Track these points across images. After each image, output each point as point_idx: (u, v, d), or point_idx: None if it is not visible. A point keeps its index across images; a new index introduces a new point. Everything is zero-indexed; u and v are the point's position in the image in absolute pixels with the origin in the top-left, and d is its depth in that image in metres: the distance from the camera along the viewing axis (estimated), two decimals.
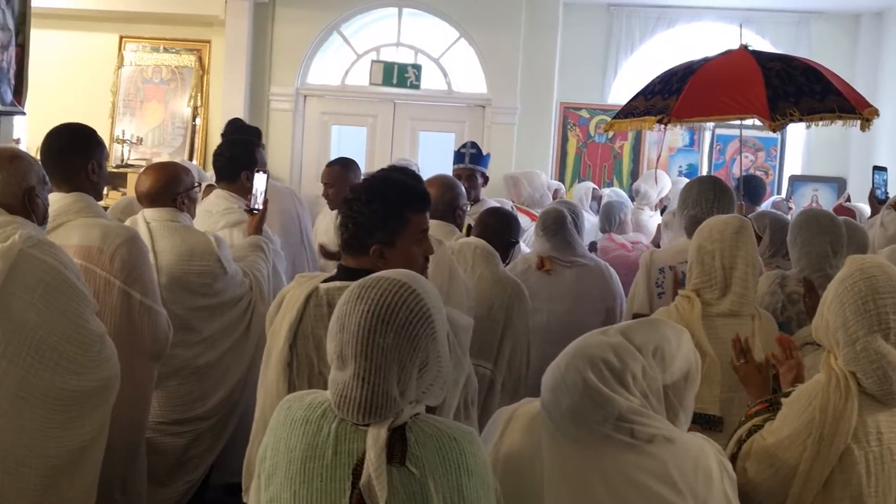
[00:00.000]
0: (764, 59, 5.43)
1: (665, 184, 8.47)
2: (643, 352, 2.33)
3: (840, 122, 5.43)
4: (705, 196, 4.61)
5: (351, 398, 2.12)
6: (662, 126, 5.23)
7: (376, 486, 2.05)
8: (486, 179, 6.86)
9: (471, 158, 6.91)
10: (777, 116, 4.91)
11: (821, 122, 5.34)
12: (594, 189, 9.08)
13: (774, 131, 4.99)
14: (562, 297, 5.13)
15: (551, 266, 5.12)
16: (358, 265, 2.95)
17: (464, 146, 7.07)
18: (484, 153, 7.23)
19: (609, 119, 10.19)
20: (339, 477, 2.11)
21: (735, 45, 5.72)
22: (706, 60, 5.53)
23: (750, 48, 5.65)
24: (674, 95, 5.19)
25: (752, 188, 7.48)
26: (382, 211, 2.94)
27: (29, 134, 9.02)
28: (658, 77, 5.54)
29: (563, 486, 2.31)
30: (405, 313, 2.14)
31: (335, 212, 5.67)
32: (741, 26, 6.26)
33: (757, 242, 3.86)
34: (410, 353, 2.13)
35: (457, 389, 2.97)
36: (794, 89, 5.06)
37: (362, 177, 7.45)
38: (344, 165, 6.19)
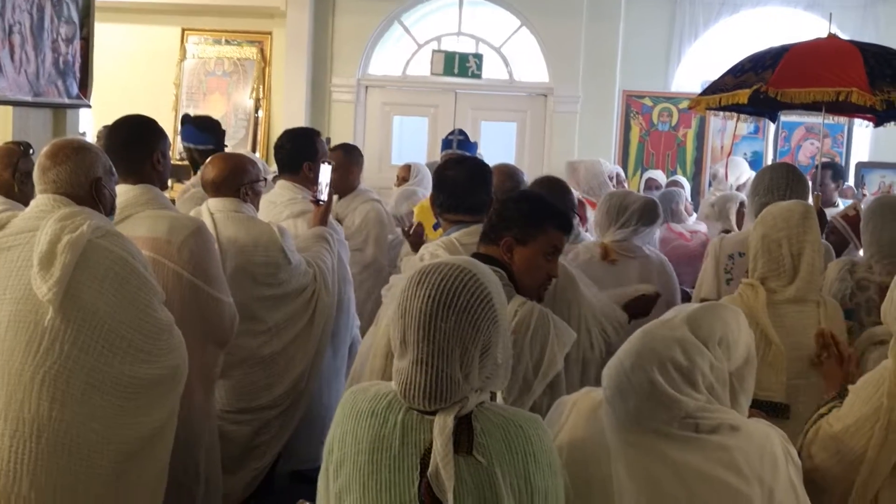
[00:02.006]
0: (859, 43, 5.46)
1: (742, 170, 8.36)
2: (709, 344, 2.30)
3: None
4: (777, 183, 4.52)
5: (415, 384, 2.12)
6: (761, 94, 5.14)
7: (444, 474, 2.05)
8: None
9: (458, 145, 7.00)
10: (876, 92, 4.87)
11: None
12: (649, 178, 8.98)
13: (875, 107, 4.92)
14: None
15: (616, 257, 5.03)
16: (487, 252, 3.17)
17: (451, 133, 7.17)
18: (472, 140, 7.34)
19: (671, 106, 10.25)
20: (407, 467, 2.11)
21: (823, 34, 5.67)
22: (796, 43, 5.52)
23: (839, 38, 5.62)
24: (769, 69, 5.18)
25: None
26: (527, 211, 3.27)
27: (94, 127, 9.14)
28: (747, 58, 5.56)
29: (629, 475, 2.30)
30: (466, 297, 2.14)
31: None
32: (830, 16, 6.18)
33: None
34: (472, 337, 2.13)
35: (544, 382, 3.12)
36: (892, 72, 5.03)
37: (416, 165, 7.48)
38: (347, 151, 6.18)
